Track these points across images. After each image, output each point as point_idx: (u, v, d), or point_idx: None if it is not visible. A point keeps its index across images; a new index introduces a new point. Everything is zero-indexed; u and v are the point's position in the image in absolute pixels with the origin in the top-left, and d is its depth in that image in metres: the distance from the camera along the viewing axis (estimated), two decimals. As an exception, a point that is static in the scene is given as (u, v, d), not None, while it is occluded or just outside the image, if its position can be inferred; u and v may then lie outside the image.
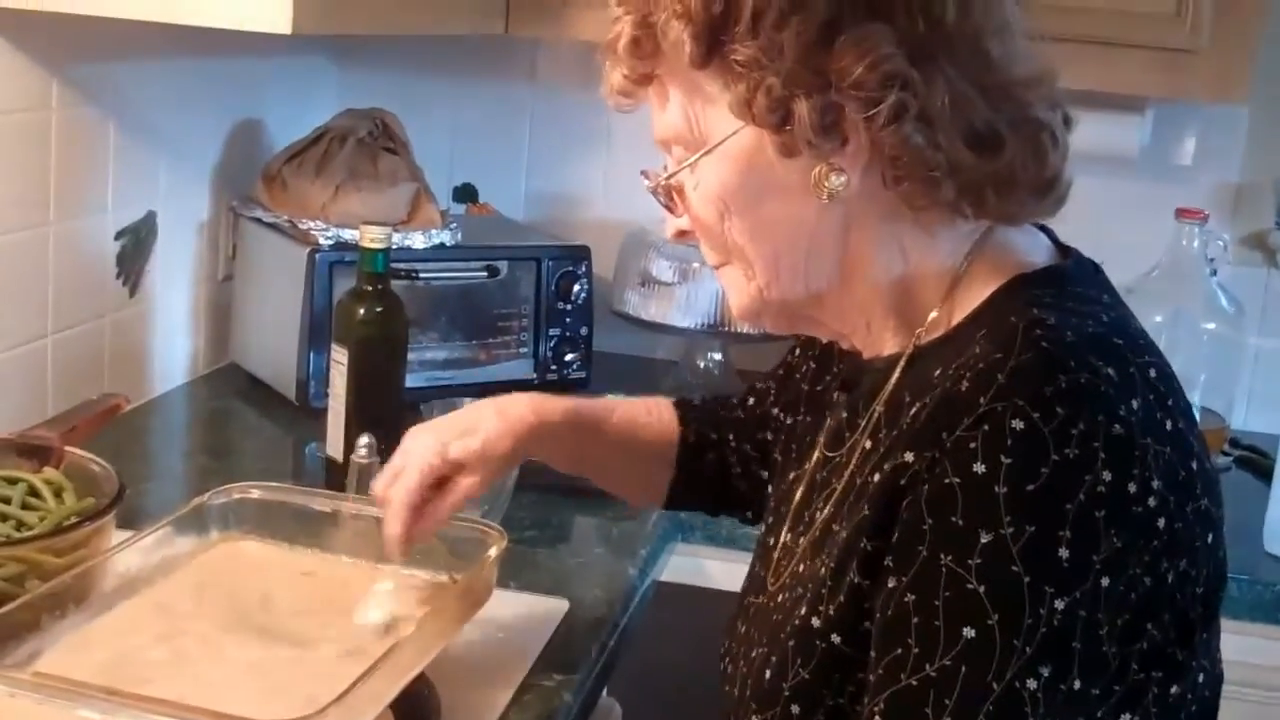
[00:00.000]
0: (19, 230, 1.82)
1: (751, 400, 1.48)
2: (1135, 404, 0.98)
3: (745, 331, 2.33)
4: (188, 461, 2.07)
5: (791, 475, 1.27)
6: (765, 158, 1.06)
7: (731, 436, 1.48)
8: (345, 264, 2.02)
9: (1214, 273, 2.28)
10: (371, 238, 1.73)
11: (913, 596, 0.97)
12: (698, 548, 1.95)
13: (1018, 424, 0.95)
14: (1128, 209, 2.39)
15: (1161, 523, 0.97)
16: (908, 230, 1.10)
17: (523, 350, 2.29)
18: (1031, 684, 0.94)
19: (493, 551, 1.34)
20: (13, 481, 1.41)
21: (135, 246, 2.08)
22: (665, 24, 1.06)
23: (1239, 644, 1.48)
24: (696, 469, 1.49)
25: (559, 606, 1.57)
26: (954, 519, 0.96)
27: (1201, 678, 1.05)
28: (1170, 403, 1.02)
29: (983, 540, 0.94)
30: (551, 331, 2.30)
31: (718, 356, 2.48)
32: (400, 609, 1.32)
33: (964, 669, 0.94)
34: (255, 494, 1.44)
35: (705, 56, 1.05)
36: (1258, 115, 2.40)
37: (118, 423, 1.69)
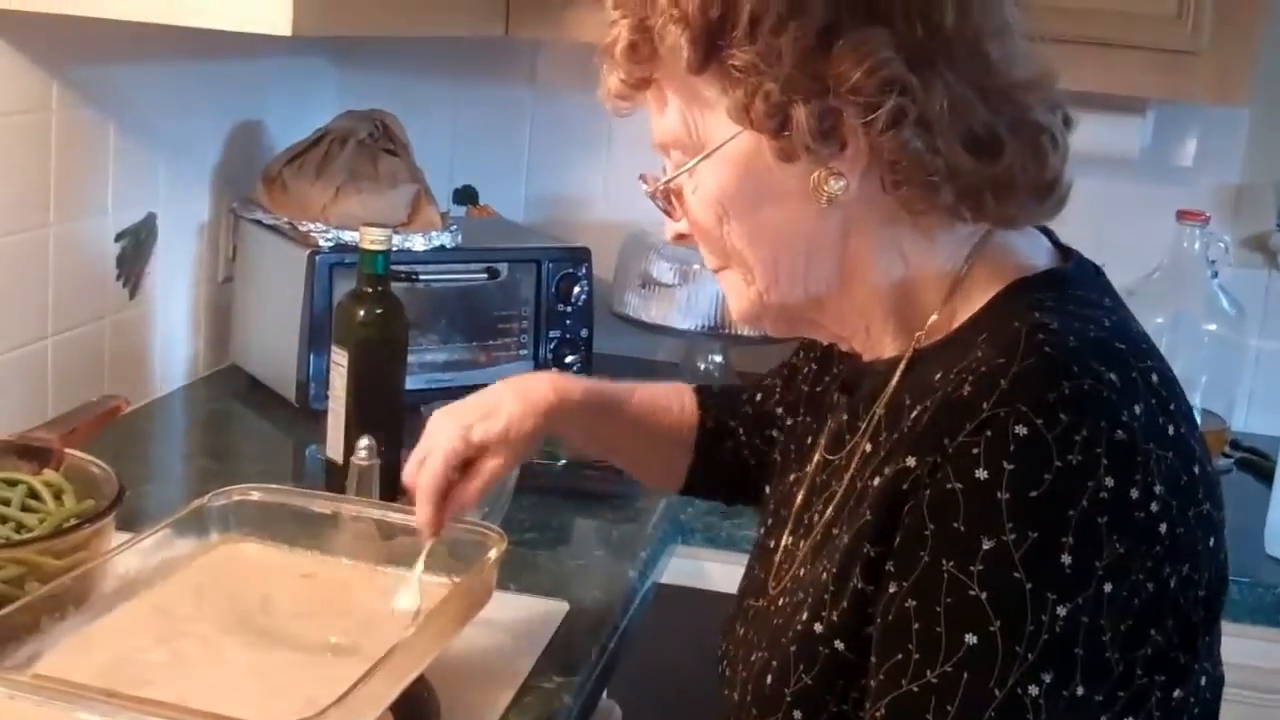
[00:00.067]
0: (19, 232, 1.82)
1: (759, 396, 1.48)
2: (1138, 409, 0.98)
3: (745, 334, 2.33)
4: (188, 463, 2.07)
5: (791, 477, 1.27)
6: (763, 162, 1.06)
7: (742, 431, 1.48)
8: (345, 266, 2.02)
9: (1215, 274, 2.28)
10: (371, 239, 1.73)
11: (914, 602, 0.97)
12: (698, 550, 1.95)
13: (1021, 430, 0.94)
14: (1128, 210, 2.39)
15: (1164, 528, 0.97)
16: (907, 234, 1.09)
17: (523, 352, 2.29)
18: (1033, 690, 0.94)
19: (493, 553, 1.34)
20: (12, 483, 1.41)
21: (135, 248, 2.08)
22: (662, 28, 1.05)
23: (1240, 646, 1.48)
24: (715, 456, 1.49)
25: (559, 608, 1.57)
26: (956, 525, 0.95)
27: (1203, 680, 1.05)
28: (1172, 407, 1.01)
29: (985, 546, 0.94)
30: (552, 333, 2.30)
31: (718, 358, 2.48)
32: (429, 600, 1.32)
33: (965, 675, 0.94)
34: (255, 496, 1.44)
35: (702, 62, 1.04)
36: (1259, 117, 2.40)
37: (118, 425, 1.69)
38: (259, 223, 2.20)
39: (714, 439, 1.49)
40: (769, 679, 1.10)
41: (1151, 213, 2.35)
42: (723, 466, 1.50)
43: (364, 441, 1.59)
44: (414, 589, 1.33)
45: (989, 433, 0.95)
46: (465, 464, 1.35)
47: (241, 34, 1.60)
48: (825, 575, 1.07)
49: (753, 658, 1.15)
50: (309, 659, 1.24)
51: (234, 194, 2.29)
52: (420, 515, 1.34)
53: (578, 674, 1.44)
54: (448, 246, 2.21)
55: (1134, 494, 0.95)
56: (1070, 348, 0.99)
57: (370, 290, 1.74)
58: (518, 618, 1.52)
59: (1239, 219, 2.45)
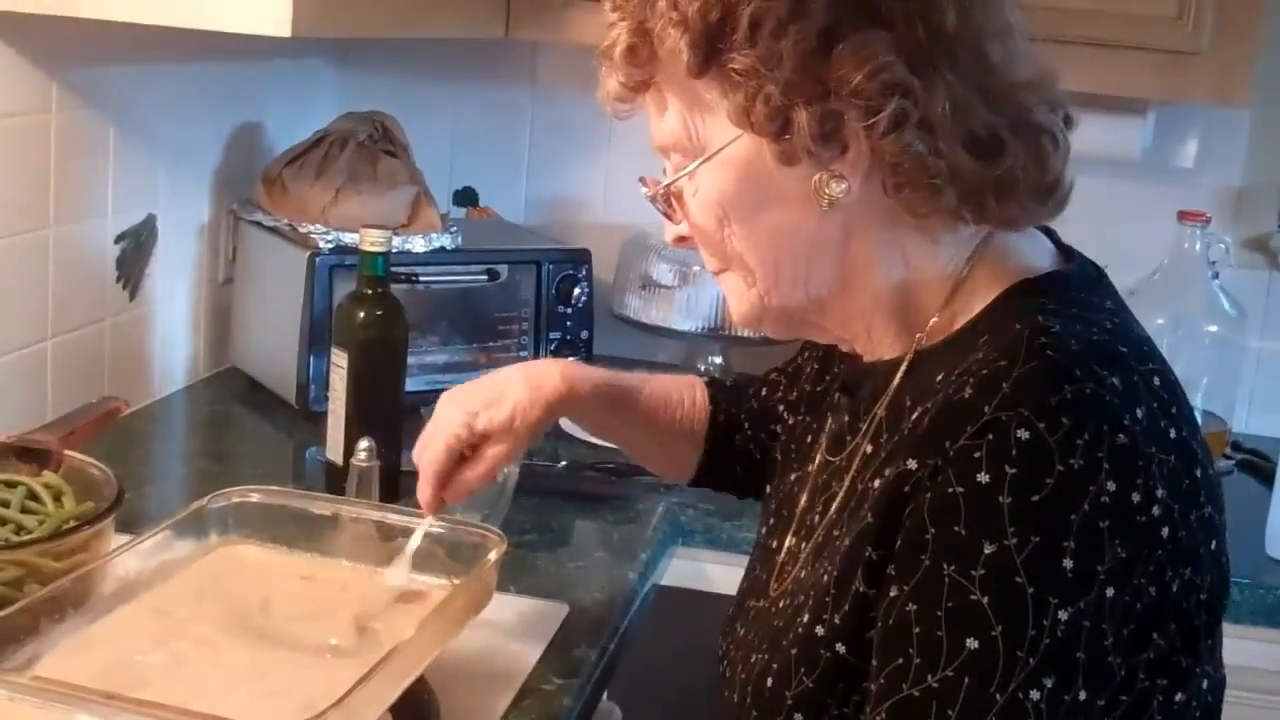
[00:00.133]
0: (19, 233, 1.82)
1: (764, 391, 1.48)
2: (1139, 413, 0.97)
3: (746, 335, 2.32)
4: (187, 465, 2.07)
5: (793, 477, 1.27)
6: (764, 165, 1.06)
7: (748, 425, 1.48)
8: (345, 267, 2.02)
9: (1216, 275, 2.28)
10: (371, 241, 1.73)
11: (915, 606, 0.97)
12: (698, 552, 1.94)
13: (1023, 434, 0.94)
14: (1129, 211, 2.38)
15: (1166, 532, 0.97)
16: (909, 236, 1.09)
17: (523, 354, 2.28)
18: (1034, 695, 0.93)
19: (492, 555, 1.34)
20: (12, 485, 1.41)
21: (135, 250, 2.07)
22: (662, 31, 1.05)
23: (1240, 648, 1.48)
24: (726, 449, 1.49)
25: (559, 610, 1.57)
26: (957, 529, 0.95)
27: (1205, 684, 1.05)
28: (1174, 411, 1.01)
29: (986, 551, 0.94)
30: (552, 335, 2.30)
31: (718, 360, 2.48)
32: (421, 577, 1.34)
33: (966, 680, 0.94)
34: (255, 498, 1.44)
35: (702, 65, 1.04)
36: (1260, 118, 2.40)
37: (117, 426, 1.69)
38: (259, 224, 2.20)
39: (725, 432, 1.49)
40: (769, 681, 1.09)
41: (1152, 214, 2.34)
42: (733, 460, 1.50)
43: (364, 443, 1.59)
44: (405, 565, 1.35)
45: (990, 436, 0.95)
46: (470, 447, 1.37)
47: (241, 35, 1.60)
48: (826, 578, 1.07)
49: (753, 659, 1.15)
50: (308, 660, 1.23)
51: (234, 196, 2.29)
52: (421, 494, 1.36)
53: (578, 676, 1.44)
54: (448, 248, 2.21)
55: (1136, 498, 0.95)
56: (1072, 351, 0.98)
57: (370, 292, 1.74)
58: (518, 619, 1.52)
59: (1240, 220, 2.45)
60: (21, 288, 1.84)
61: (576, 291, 2.31)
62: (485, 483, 1.39)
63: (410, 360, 1.88)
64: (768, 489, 1.35)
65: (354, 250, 1.80)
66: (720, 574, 1.91)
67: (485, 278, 2.25)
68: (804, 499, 1.22)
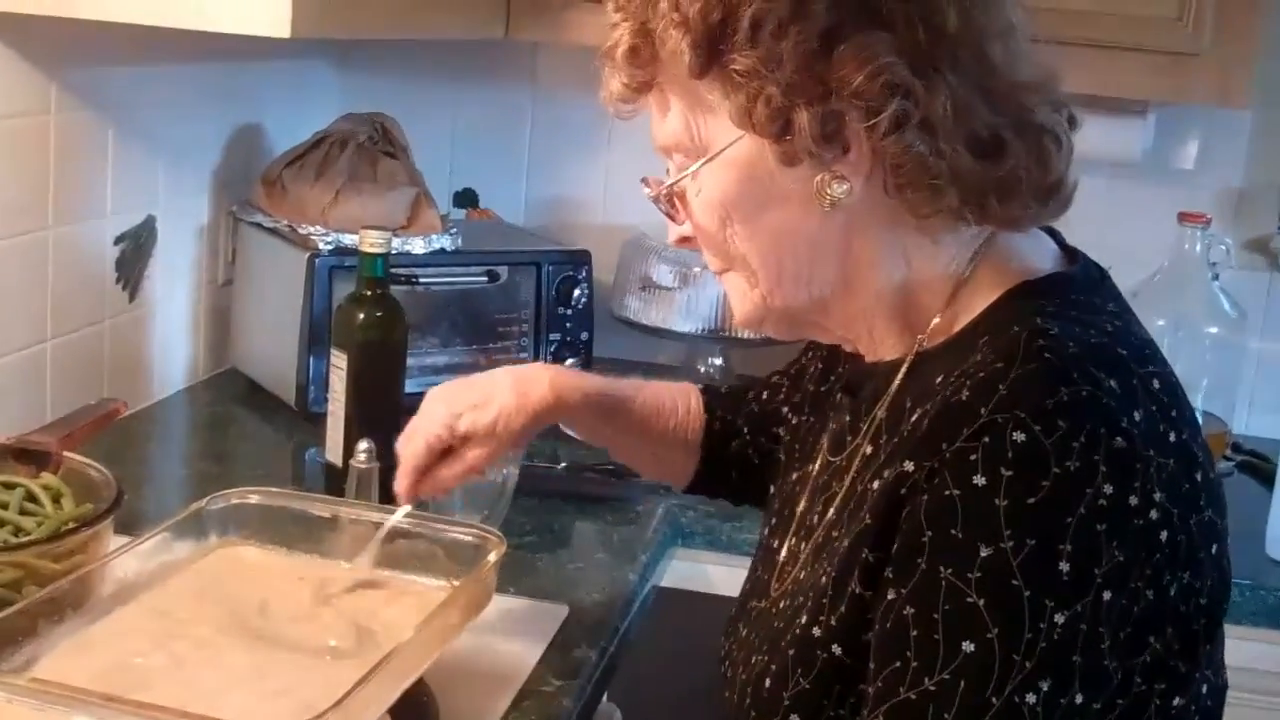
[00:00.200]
0: (18, 235, 1.81)
1: (765, 394, 1.48)
2: (1137, 416, 0.97)
3: (746, 336, 2.32)
4: (187, 467, 2.06)
5: (795, 477, 1.27)
6: (766, 166, 1.06)
7: (747, 429, 1.48)
8: (345, 269, 2.02)
9: (1216, 277, 2.28)
10: (371, 242, 1.72)
11: (912, 609, 0.97)
12: (698, 553, 1.94)
13: (1019, 436, 0.94)
14: (1130, 212, 2.38)
15: (1164, 535, 0.97)
16: (910, 237, 1.09)
17: (523, 355, 2.28)
18: (1031, 698, 0.93)
19: (492, 556, 1.34)
20: (10, 487, 1.40)
21: (134, 251, 2.07)
22: (664, 32, 1.05)
23: (1241, 650, 1.48)
24: (721, 456, 1.49)
25: (559, 611, 1.56)
26: (954, 531, 0.95)
27: (1205, 689, 1.05)
28: (1174, 414, 1.01)
29: (982, 553, 0.94)
30: (552, 336, 2.30)
31: (719, 361, 2.47)
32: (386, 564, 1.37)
33: (963, 683, 0.94)
34: (254, 499, 1.43)
35: (704, 66, 1.04)
36: (1260, 119, 2.40)
37: (117, 428, 1.69)
38: (258, 225, 2.20)
39: (720, 440, 1.49)
40: (767, 682, 1.09)
41: (1153, 215, 2.34)
42: (728, 467, 1.49)
43: (363, 445, 1.59)
44: (371, 553, 1.36)
45: (987, 438, 0.95)
46: (449, 448, 1.39)
47: (240, 36, 1.60)
48: (824, 579, 1.07)
49: (753, 660, 1.15)
50: (308, 662, 1.23)
51: (233, 197, 2.29)
52: (397, 485, 1.40)
53: (577, 677, 1.44)
54: (447, 249, 2.21)
55: (1133, 501, 0.95)
56: (1069, 353, 0.98)
57: (370, 293, 1.74)
58: (517, 621, 1.52)
59: (1240, 221, 2.45)
60: (21, 289, 1.84)
61: (576, 293, 2.31)
62: (460, 481, 1.41)
63: (410, 362, 1.87)
64: (771, 489, 1.34)
65: (354, 251, 1.79)
66: (720, 575, 1.91)
67: (485, 279, 2.24)
68: (804, 500, 1.22)
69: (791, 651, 1.07)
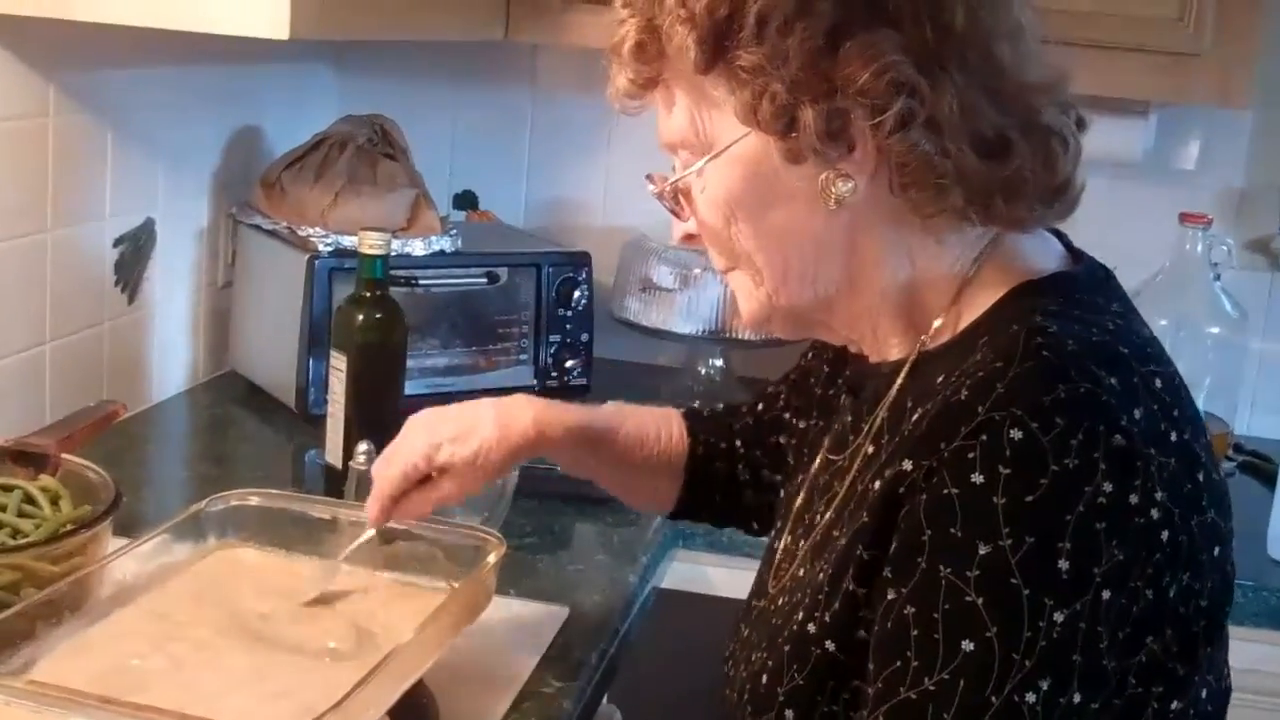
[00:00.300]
0: (17, 237, 1.81)
1: (761, 405, 1.47)
2: (1138, 414, 0.97)
3: (746, 337, 2.32)
4: (186, 469, 2.06)
5: (799, 478, 1.27)
6: (771, 163, 1.06)
7: (740, 443, 1.47)
8: (344, 270, 2.01)
9: (1217, 277, 2.28)
10: (371, 244, 1.72)
11: (912, 609, 0.96)
12: (699, 554, 1.94)
13: (1016, 434, 0.94)
14: (1131, 213, 2.38)
15: (1164, 535, 0.96)
16: (915, 236, 1.09)
17: (523, 357, 2.28)
18: (1030, 698, 0.93)
19: (492, 558, 1.34)
20: (9, 489, 1.40)
21: (134, 253, 2.07)
22: (670, 28, 1.05)
23: (1243, 651, 1.47)
24: (704, 481, 1.48)
25: (559, 613, 1.56)
26: (952, 530, 0.95)
27: (1204, 693, 1.04)
28: (1176, 413, 1.00)
29: (981, 552, 0.93)
30: (552, 338, 2.29)
31: (719, 362, 2.47)
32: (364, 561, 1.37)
33: (963, 683, 0.93)
34: (253, 501, 1.43)
35: (709, 62, 1.04)
36: (1262, 119, 2.40)
37: (116, 430, 1.69)
38: (258, 228, 2.20)
39: (704, 464, 1.47)
40: (764, 678, 1.10)
41: (1154, 215, 2.34)
42: (712, 490, 1.48)
43: (363, 446, 1.58)
44: (331, 573, 1.36)
45: (984, 437, 0.95)
46: (426, 476, 1.35)
47: (239, 38, 1.59)
48: (821, 576, 1.07)
49: (753, 658, 1.15)
50: (307, 663, 1.23)
51: (233, 199, 2.29)
52: (369, 509, 1.36)
53: (578, 679, 1.44)
54: (447, 251, 2.21)
55: (1133, 499, 0.94)
56: (1068, 351, 0.98)
57: (369, 295, 1.73)
58: (517, 622, 1.52)
59: (1242, 222, 2.44)
60: (20, 291, 1.84)
61: (576, 294, 2.31)
62: (431, 511, 1.37)
63: (410, 363, 1.87)
64: (780, 493, 1.34)
65: (353, 253, 1.79)
66: (721, 577, 1.90)
67: (485, 281, 2.24)
68: (802, 498, 1.21)
69: (788, 648, 1.07)
